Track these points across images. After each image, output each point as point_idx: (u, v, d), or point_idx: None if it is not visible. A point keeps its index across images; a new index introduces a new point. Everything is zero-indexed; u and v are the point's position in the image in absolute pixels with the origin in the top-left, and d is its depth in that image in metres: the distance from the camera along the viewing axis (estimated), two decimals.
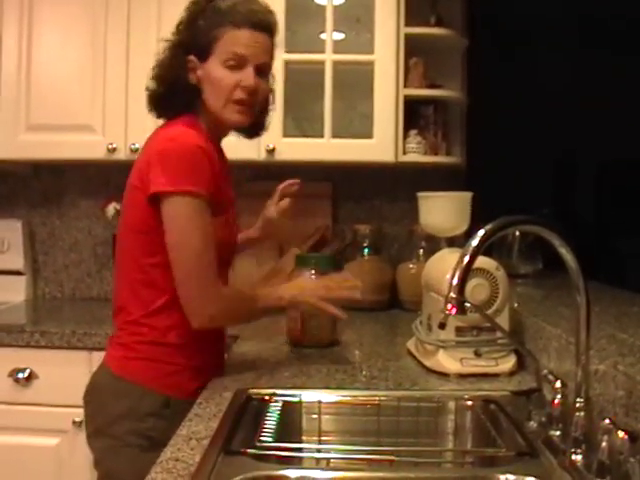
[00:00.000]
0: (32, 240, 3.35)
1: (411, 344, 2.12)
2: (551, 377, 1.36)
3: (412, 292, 2.81)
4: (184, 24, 1.80)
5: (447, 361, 1.86)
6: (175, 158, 1.66)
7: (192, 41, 1.77)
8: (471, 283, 1.83)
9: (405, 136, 2.94)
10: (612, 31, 5.94)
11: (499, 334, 1.87)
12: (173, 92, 1.79)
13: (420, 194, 2.33)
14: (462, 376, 1.82)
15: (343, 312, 1.91)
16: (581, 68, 6.08)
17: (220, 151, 1.90)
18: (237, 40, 1.74)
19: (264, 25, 1.78)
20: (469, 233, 2.18)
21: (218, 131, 1.86)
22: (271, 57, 1.84)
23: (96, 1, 2.90)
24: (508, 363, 1.86)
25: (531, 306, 2.10)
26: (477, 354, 1.86)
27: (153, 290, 1.75)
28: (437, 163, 3.08)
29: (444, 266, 1.97)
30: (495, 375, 1.83)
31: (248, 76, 1.76)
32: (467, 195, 2.27)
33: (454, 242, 2.36)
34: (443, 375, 1.84)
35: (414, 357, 2.03)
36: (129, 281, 1.79)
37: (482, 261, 1.86)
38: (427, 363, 1.92)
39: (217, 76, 1.75)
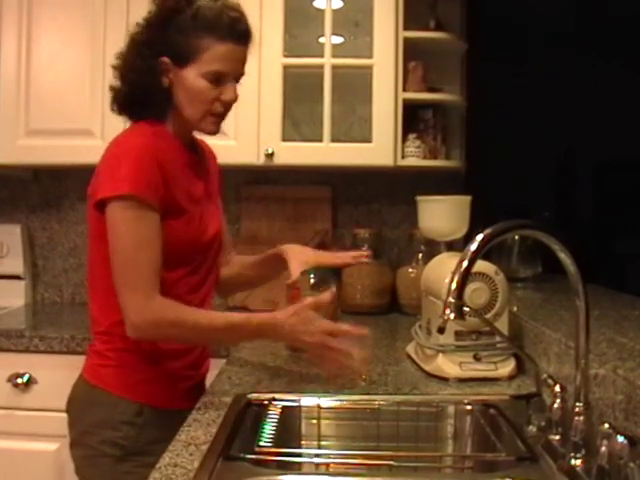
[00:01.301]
0: (31, 244, 3.35)
1: (410, 348, 2.12)
2: (550, 381, 1.36)
3: (411, 296, 2.82)
4: (156, 22, 1.71)
5: (446, 365, 1.86)
6: (117, 163, 1.65)
7: (166, 43, 1.69)
8: (470, 287, 1.83)
9: (404, 140, 2.94)
10: (612, 32, 5.94)
11: (498, 338, 1.86)
12: (142, 94, 1.73)
13: (420, 198, 2.33)
14: (461, 380, 1.82)
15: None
16: (580, 71, 6.09)
17: (191, 149, 1.85)
18: (221, 56, 1.69)
19: (246, 36, 1.74)
20: (468, 237, 2.18)
21: (186, 132, 1.82)
22: (245, 64, 1.80)
23: (95, 6, 2.90)
24: (507, 367, 1.86)
25: (530, 310, 2.09)
26: (476, 358, 1.86)
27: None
28: (436, 167, 3.08)
29: (443, 270, 1.96)
30: (494, 379, 1.83)
31: (230, 91, 1.74)
32: (466, 199, 2.26)
33: (453, 246, 2.36)
34: (443, 379, 1.84)
35: (413, 361, 2.03)
36: (96, 290, 1.77)
37: (481, 265, 1.86)
38: (427, 367, 1.92)
39: (196, 87, 1.70)
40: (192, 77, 1.70)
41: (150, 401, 1.72)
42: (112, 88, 1.79)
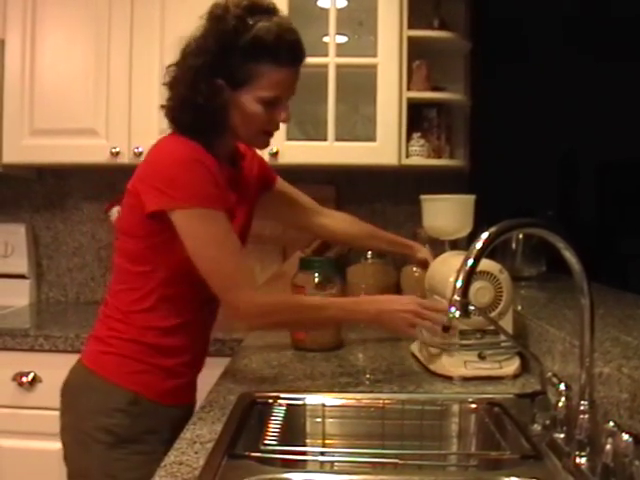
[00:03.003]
0: (36, 244, 3.36)
1: (415, 347, 2.12)
2: (555, 380, 1.36)
3: (416, 295, 2.81)
4: (213, 45, 1.69)
5: (451, 364, 1.86)
6: (174, 171, 1.66)
7: (224, 67, 1.69)
8: (475, 286, 1.83)
9: (408, 139, 2.94)
10: (615, 33, 5.94)
11: (503, 337, 1.86)
12: (198, 116, 1.72)
13: (424, 197, 2.32)
14: (466, 379, 1.82)
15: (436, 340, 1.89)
16: (583, 71, 6.08)
17: (233, 165, 1.90)
18: (277, 82, 1.72)
19: (302, 58, 1.77)
20: (472, 236, 2.18)
21: (229, 147, 1.86)
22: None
23: (99, 6, 2.91)
24: (512, 366, 1.86)
25: (535, 309, 2.09)
26: (481, 357, 1.86)
27: (135, 293, 1.76)
28: (440, 166, 3.08)
29: (447, 269, 1.97)
30: (499, 378, 1.82)
31: (283, 112, 1.78)
32: (470, 198, 2.26)
33: (457, 245, 2.35)
34: (447, 378, 1.84)
35: (418, 360, 2.03)
36: (116, 279, 1.82)
37: (486, 264, 1.86)
38: (431, 366, 1.91)
39: (252, 111, 1.73)
40: (247, 101, 1.72)
41: (144, 392, 1.74)
42: (166, 108, 1.79)
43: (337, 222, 2.33)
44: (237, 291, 1.68)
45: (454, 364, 1.85)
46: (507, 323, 1.89)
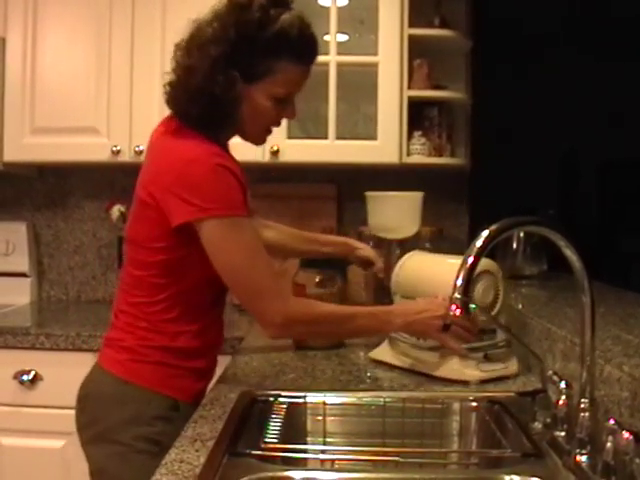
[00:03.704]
0: (37, 242, 3.36)
1: (382, 353, 2.01)
2: (556, 378, 1.36)
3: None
4: (235, 36, 1.62)
5: (467, 368, 1.80)
6: (200, 181, 1.59)
7: (242, 59, 1.64)
8: (480, 285, 1.80)
9: (409, 137, 2.94)
10: (615, 33, 5.93)
11: (499, 336, 1.85)
12: (210, 108, 1.66)
13: (368, 193, 2.19)
14: (483, 382, 1.78)
15: (463, 348, 1.80)
16: (584, 70, 6.08)
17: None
18: (293, 79, 1.70)
19: (317, 54, 1.75)
20: (417, 235, 2.09)
21: (228, 140, 1.81)
22: None
23: (100, 4, 2.91)
24: (515, 364, 1.85)
25: (536, 307, 2.09)
26: (487, 358, 1.83)
27: (159, 304, 1.71)
28: (441, 164, 3.08)
29: (431, 271, 1.95)
30: (507, 377, 1.81)
31: (292, 109, 1.76)
32: (417, 195, 2.14)
33: (404, 245, 2.26)
34: (462, 383, 1.77)
35: (391, 366, 1.95)
36: (133, 289, 1.75)
37: (488, 263, 1.84)
38: (439, 373, 1.82)
39: (263, 107, 1.69)
40: (259, 95, 1.68)
41: (181, 396, 1.73)
42: (169, 93, 1.72)
43: (266, 233, 2.19)
44: (269, 301, 1.65)
45: (469, 368, 1.81)
46: (503, 321, 1.88)
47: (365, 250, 2.30)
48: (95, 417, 1.73)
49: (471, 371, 1.81)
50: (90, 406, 1.75)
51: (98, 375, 1.77)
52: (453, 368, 1.82)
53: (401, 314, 1.81)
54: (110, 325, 1.82)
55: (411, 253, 2.07)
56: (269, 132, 1.80)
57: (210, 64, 1.62)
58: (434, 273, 1.94)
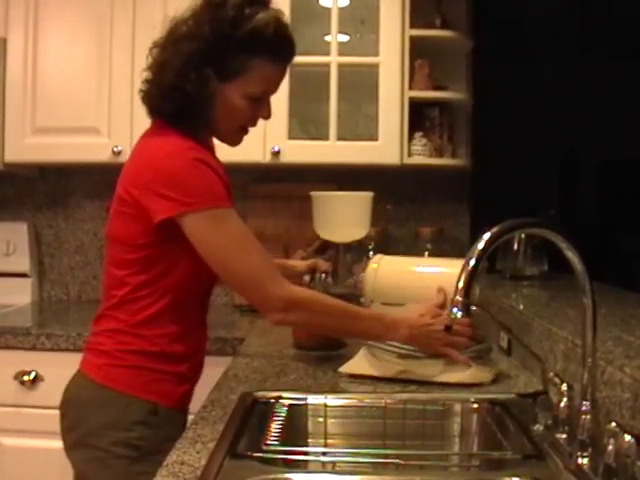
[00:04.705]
0: (38, 242, 3.36)
1: (358, 365, 1.87)
2: (557, 379, 1.36)
3: None
4: (209, 33, 1.62)
5: (482, 371, 1.80)
6: (179, 176, 1.59)
7: (216, 57, 1.63)
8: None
9: (410, 138, 2.95)
10: (616, 32, 5.93)
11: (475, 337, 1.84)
12: (182, 105, 1.65)
13: (313, 193, 2.11)
14: (493, 382, 1.78)
15: (467, 357, 1.78)
16: (584, 70, 6.08)
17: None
18: (269, 77, 1.69)
19: (294, 54, 1.74)
20: (367, 237, 1.98)
21: (209, 139, 1.80)
22: None
23: (101, 4, 2.91)
24: (497, 363, 1.84)
25: (537, 308, 2.09)
26: (480, 358, 1.83)
27: (139, 302, 1.69)
28: (442, 165, 3.08)
29: (399, 274, 1.91)
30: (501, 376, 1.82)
31: (267, 109, 1.75)
32: (367, 195, 2.05)
33: (351, 248, 2.15)
34: (477, 386, 1.75)
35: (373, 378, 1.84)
36: (115, 291, 1.73)
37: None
38: (455, 379, 1.77)
39: (237, 106, 1.68)
40: (234, 95, 1.67)
41: (161, 401, 1.70)
42: (145, 92, 1.73)
43: None
44: (267, 286, 1.63)
45: (483, 370, 1.80)
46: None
47: (298, 263, 2.23)
48: (75, 422, 1.73)
49: (485, 373, 1.80)
50: (71, 411, 1.75)
51: (78, 380, 1.77)
52: (471, 372, 1.79)
53: (408, 325, 1.76)
54: (91, 329, 1.81)
55: (378, 257, 1.96)
56: (244, 132, 1.77)
57: (183, 61, 1.62)
58: (417, 278, 1.89)
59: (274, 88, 1.74)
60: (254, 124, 1.78)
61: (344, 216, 2.06)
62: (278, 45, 1.68)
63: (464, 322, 1.76)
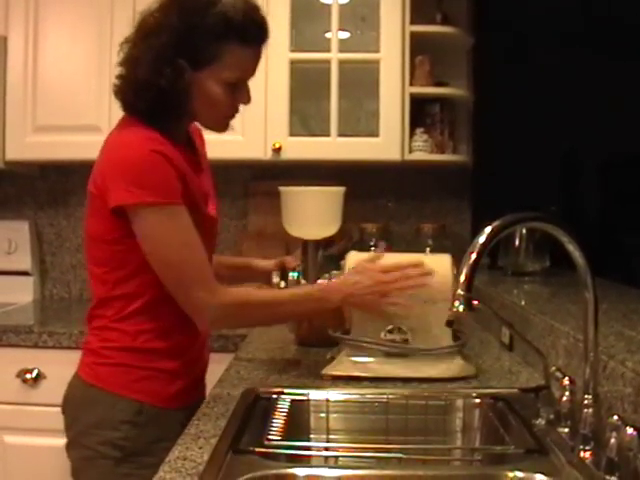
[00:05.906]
0: (39, 241, 3.36)
1: (344, 366, 1.81)
2: (559, 374, 1.36)
3: None
4: (176, 23, 1.59)
5: (467, 364, 1.81)
6: (134, 167, 1.58)
7: (187, 46, 1.60)
8: None
9: (411, 134, 2.95)
10: (616, 31, 5.93)
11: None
12: (158, 101, 1.62)
13: (282, 188, 2.03)
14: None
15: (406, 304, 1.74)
16: (585, 67, 6.07)
17: (189, 146, 1.80)
18: (243, 61, 1.66)
19: (267, 37, 1.70)
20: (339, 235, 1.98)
21: (185, 131, 1.78)
22: None
23: (101, 3, 2.91)
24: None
25: (539, 303, 2.09)
26: (459, 353, 1.83)
27: (122, 298, 1.68)
28: (444, 161, 3.08)
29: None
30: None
31: (246, 94, 1.72)
32: (338, 190, 2.01)
33: (320, 246, 2.08)
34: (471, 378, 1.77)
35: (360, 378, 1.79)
36: (98, 289, 1.72)
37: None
38: (447, 373, 1.77)
39: (215, 94, 1.65)
40: (210, 83, 1.64)
41: (149, 399, 1.68)
42: (120, 79, 1.68)
43: None
44: (199, 295, 1.61)
45: (467, 364, 1.81)
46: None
47: (264, 262, 2.16)
48: (69, 421, 1.74)
49: (469, 367, 1.80)
50: (67, 410, 1.76)
51: (73, 379, 1.77)
52: (459, 364, 1.80)
53: (337, 289, 1.77)
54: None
55: (352, 254, 1.90)
56: (229, 117, 1.75)
57: (154, 55, 1.60)
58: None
59: (250, 72, 1.71)
60: (236, 110, 1.74)
61: (314, 212, 1.98)
62: (249, 29, 1.64)
63: (396, 265, 1.76)
